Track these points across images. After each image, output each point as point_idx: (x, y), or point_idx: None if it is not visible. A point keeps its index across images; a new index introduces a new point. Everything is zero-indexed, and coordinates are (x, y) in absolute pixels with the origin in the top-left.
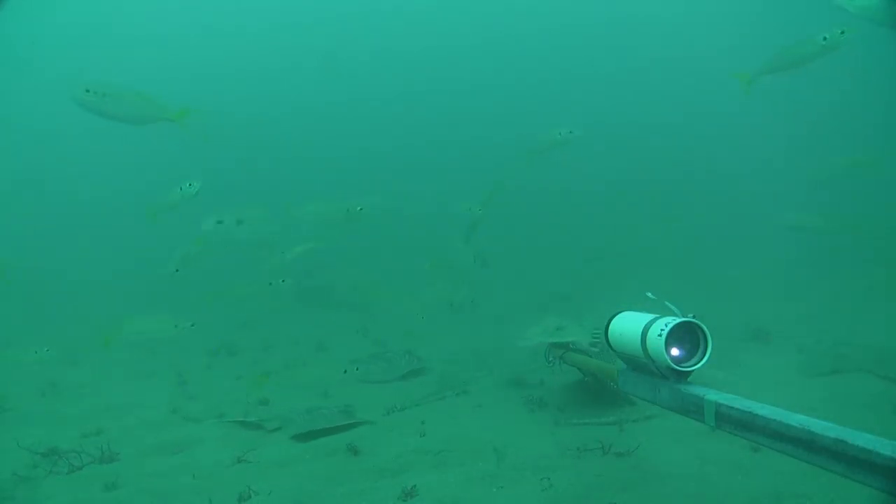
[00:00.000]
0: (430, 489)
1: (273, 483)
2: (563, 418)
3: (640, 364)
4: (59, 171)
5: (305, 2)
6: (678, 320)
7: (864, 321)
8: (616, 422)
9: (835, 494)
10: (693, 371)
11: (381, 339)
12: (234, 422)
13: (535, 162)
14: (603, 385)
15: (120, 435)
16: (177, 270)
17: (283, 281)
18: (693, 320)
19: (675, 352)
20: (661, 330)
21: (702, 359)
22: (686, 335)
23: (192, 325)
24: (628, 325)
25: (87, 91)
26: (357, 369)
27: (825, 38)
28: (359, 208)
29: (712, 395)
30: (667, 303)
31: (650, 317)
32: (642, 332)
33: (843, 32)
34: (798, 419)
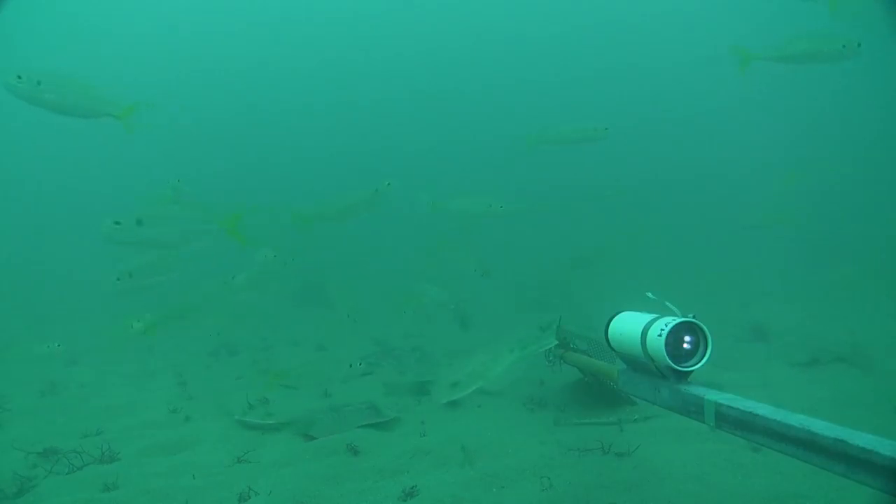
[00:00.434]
0: (430, 489)
1: (273, 483)
2: (563, 418)
3: (641, 364)
4: (56, 169)
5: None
6: (678, 320)
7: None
8: (616, 422)
9: (835, 494)
10: (693, 371)
11: (380, 338)
12: (258, 424)
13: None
14: (603, 385)
15: (120, 435)
16: (118, 279)
17: (233, 278)
18: (693, 320)
19: (676, 347)
20: (661, 330)
21: (702, 359)
22: (686, 335)
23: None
24: (628, 325)
25: (19, 78)
26: (360, 364)
27: (843, 46)
28: (387, 183)
29: (712, 395)
30: (667, 303)
31: (650, 317)
32: (642, 333)
33: (860, 45)
34: (798, 419)
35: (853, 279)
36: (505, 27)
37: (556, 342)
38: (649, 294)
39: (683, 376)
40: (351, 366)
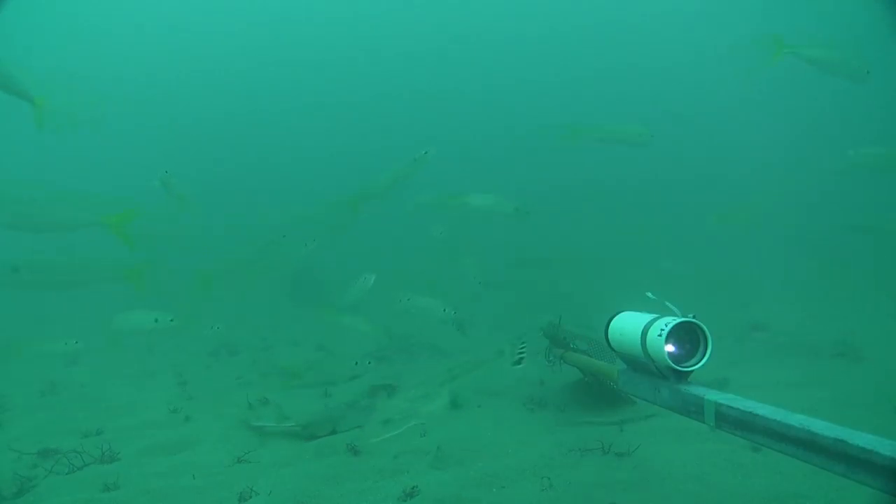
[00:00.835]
0: (430, 489)
1: (273, 483)
2: (563, 418)
3: (641, 364)
4: (56, 169)
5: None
6: (678, 320)
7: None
8: (616, 422)
9: (835, 494)
10: (693, 371)
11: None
12: (282, 427)
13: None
14: (603, 385)
15: (120, 435)
16: (15, 270)
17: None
18: (693, 320)
19: (669, 348)
20: (661, 330)
21: (702, 359)
22: (686, 335)
23: (172, 321)
24: (628, 325)
25: None
26: (369, 363)
27: (868, 72)
28: (425, 152)
29: (712, 395)
30: (667, 303)
31: (650, 317)
32: (642, 333)
33: (868, 72)
34: (798, 419)
35: (853, 278)
36: (503, 27)
37: (548, 344)
38: (649, 294)
39: (683, 376)
40: (357, 363)
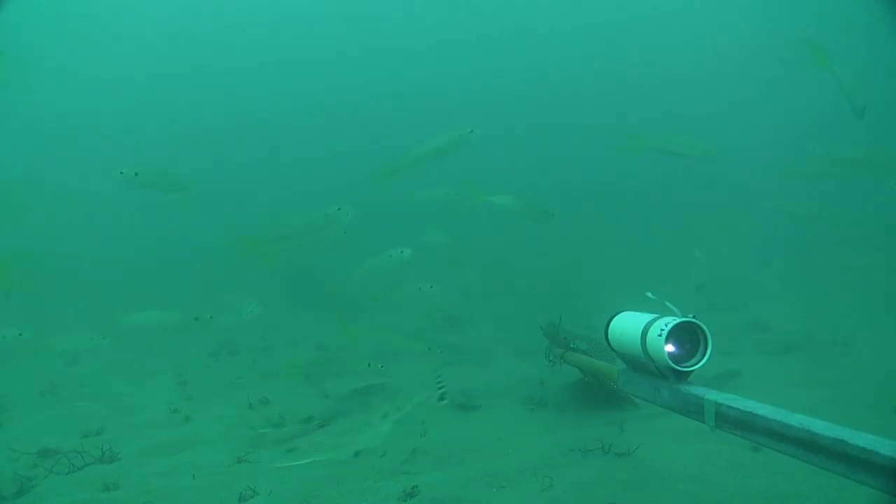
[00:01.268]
0: (430, 489)
1: (273, 483)
2: (563, 418)
3: (641, 364)
4: (55, 169)
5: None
6: (678, 320)
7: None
8: (616, 422)
9: (835, 494)
10: (693, 371)
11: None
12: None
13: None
14: (603, 385)
15: (120, 435)
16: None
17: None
18: (693, 320)
19: (669, 348)
20: (661, 330)
21: (702, 359)
22: (686, 335)
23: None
24: (628, 325)
25: None
26: (381, 366)
27: (865, 109)
28: (470, 130)
29: (712, 395)
30: (667, 303)
31: (650, 317)
32: (642, 333)
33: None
34: (798, 419)
35: (854, 278)
36: (504, 27)
37: (548, 344)
38: (649, 294)
39: (683, 376)
40: (369, 365)
